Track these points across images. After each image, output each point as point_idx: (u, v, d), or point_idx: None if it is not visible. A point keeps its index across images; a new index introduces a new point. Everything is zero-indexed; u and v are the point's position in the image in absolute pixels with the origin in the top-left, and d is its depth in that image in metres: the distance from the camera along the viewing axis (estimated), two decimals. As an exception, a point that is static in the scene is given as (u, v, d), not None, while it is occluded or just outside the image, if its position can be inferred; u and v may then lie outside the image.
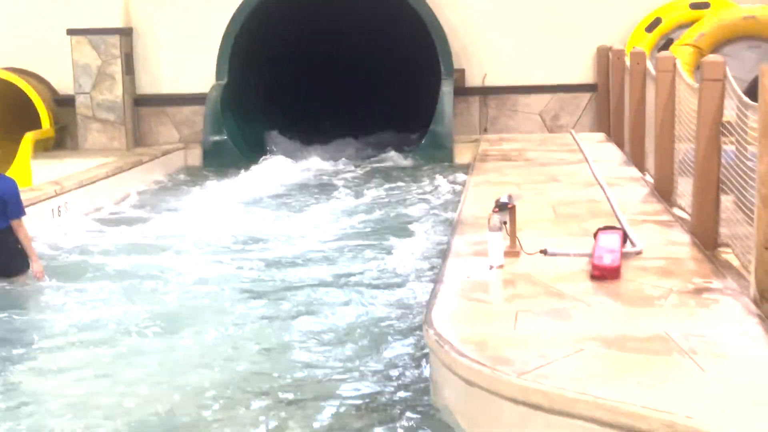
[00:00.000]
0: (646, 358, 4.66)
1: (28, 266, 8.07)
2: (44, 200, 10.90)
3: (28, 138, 14.65)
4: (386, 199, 12.36)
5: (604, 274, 6.18)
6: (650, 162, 10.37)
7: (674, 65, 9.03)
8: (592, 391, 4.22)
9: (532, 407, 4.33)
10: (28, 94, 15.59)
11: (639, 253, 6.81)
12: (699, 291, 5.85)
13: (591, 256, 6.50)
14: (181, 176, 15.01)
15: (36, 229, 10.12)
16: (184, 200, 12.59)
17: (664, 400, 4.09)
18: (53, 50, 16.28)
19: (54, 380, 5.97)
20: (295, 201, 12.43)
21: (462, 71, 16.15)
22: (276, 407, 5.39)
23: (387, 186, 13.34)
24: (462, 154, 14.90)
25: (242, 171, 14.60)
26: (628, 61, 12.02)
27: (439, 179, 13.42)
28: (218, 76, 16.10)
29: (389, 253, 9.11)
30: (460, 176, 13.04)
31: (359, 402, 5.42)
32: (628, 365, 4.56)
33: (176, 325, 6.97)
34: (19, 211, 7.97)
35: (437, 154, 14.98)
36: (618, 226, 7.43)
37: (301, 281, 8.18)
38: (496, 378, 4.50)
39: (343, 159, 15.74)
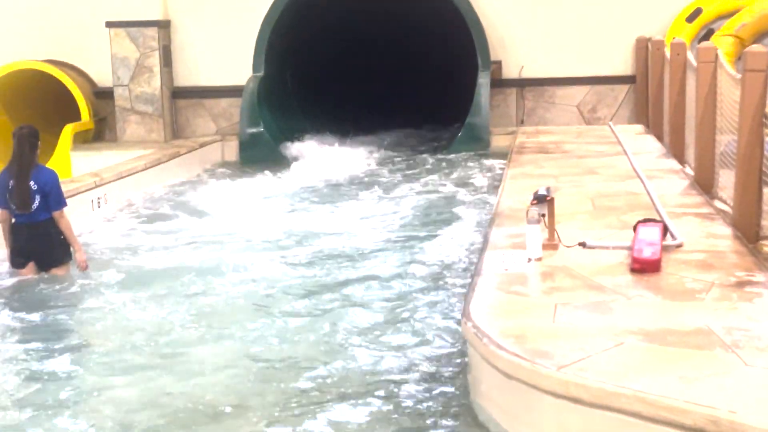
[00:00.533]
0: (688, 352, 4.60)
1: (70, 257, 8.15)
2: (84, 192, 11.00)
3: (68, 130, 14.81)
4: (425, 191, 12.33)
5: (644, 267, 6.11)
6: (690, 154, 10.27)
7: (716, 56, 8.92)
8: (632, 385, 4.18)
9: (571, 401, 4.30)
10: (67, 86, 15.73)
11: (680, 246, 6.74)
12: (741, 284, 5.77)
13: (631, 249, 6.43)
14: (219, 169, 15.07)
15: (76, 220, 10.20)
16: (222, 194, 12.60)
17: (707, 395, 4.04)
18: (92, 43, 16.41)
19: (97, 377, 5.99)
20: (335, 195, 12.43)
21: (499, 63, 16.07)
22: (322, 401, 5.40)
23: (426, 178, 13.31)
24: (499, 147, 14.82)
25: (278, 164, 14.63)
26: (668, 52, 11.89)
27: (477, 170, 13.39)
28: (255, 69, 16.14)
29: (432, 244, 9.10)
30: (498, 164, 13.03)
31: (402, 393, 5.42)
32: (670, 359, 4.51)
33: (220, 321, 6.95)
34: (60, 202, 8.04)
35: (474, 146, 14.92)
36: (658, 218, 7.35)
37: (345, 275, 8.16)
38: (536, 371, 4.47)
39: (381, 151, 15.73)
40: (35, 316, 7.18)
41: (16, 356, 6.40)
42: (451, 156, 14.87)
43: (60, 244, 8.06)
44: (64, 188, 10.29)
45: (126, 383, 5.82)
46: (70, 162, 14.17)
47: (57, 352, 6.41)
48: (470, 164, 14.05)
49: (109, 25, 15.98)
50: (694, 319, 5.10)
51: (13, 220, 8.06)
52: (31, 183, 7.88)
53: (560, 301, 5.55)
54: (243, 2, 16.33)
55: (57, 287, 7.86)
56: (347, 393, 5.46)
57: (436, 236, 9.52)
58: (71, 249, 8.15)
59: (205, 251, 9.17)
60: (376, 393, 5.44)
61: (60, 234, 8.02)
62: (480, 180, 12.85)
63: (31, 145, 7.96)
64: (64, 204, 8.11)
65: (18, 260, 8.08)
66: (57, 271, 8.09)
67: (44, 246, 8.02)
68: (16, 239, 8.06)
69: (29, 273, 8.05)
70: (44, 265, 8.08)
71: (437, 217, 10.67)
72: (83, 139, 15.76)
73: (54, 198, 7.96)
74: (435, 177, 13.38)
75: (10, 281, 8.07)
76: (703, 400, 3.99)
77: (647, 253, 6.19)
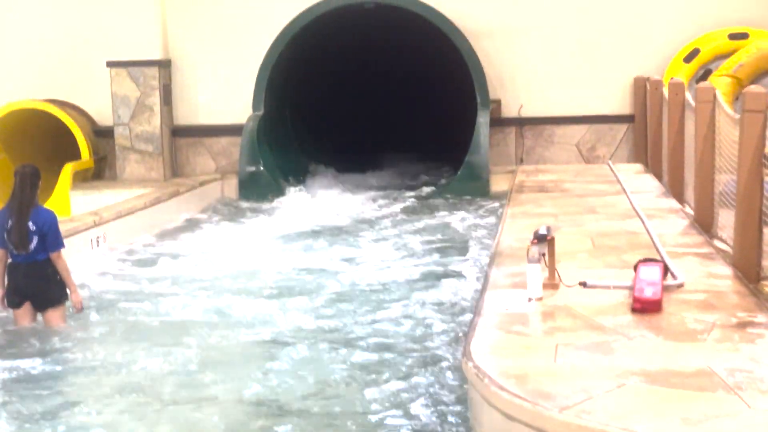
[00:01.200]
0: (690, 394, 4.57)
1: (66, 297, 8.08)
2: (83, 231, 10.98)
3: (68, 169, 14.79)
4: (424, 230, 12.33)
5: (645, 307, 6.10)
6: (689, 193, 10.28)
7: (714, 96, 8.96)
8: (636, 427, 4.15)
9: (574, 443, 4.26)
10: (67, 125, 15.76)
11: (680, 286, 6.72)
12: (743, 325, 5.75)
13: (631, 288, 6.41)
14: (218, 207, 15.06)
15: (75, 259, 10.19)
16: (221, 234, 12.57)
17: (711, 437, 4.01)
18: (93, 82, 16.48)
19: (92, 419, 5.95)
20: (335, 235, 12.41)
21: (498, 102, 16.14)
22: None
23: (423, 217, 13.31)
24: (498, 185, 14.85)
25: (277, 203, 14.64)
26: (666, 91, 11.94)
27: (476, 208, 13.41)
28: (255, 107, 16.20)
29: (432, 284, 9.08)
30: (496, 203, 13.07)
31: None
32: (673, 401, 4.48)
33: (219, 365, 6.88)
34: (57, 243, 7.97)
35: (473, 185, 14.93)
36: (658, 258, 7.34)
37: (344, 317, 8.14)
38: (538, 413, 4.44)
39: (377, 190, 15.74)
40: (30, 360, 7.11)
41: (10, 400, 6.33)
42: (450, 195, 14.88)
43: (56, 284, 7.99)
44: (64, 227, 10.28)
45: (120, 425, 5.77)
46: (70, 201, 14.11)
47: (51, 396, 6.35)
48: (469, 201, 14.06)
49: (110, 64, 16.06)
50: (696, 360, 5.07)
51: (10, 260, 8.02)
52: (30, 223, 7.84)
53: (561, 341, 5.52)
54: (243, 42, 16.42)
55: (52, 329, 7.80)
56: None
57: (435, 275, 9.50)
58: (67, 289, 8.08)
59: (203, 293, 9.10)
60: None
61: (57, 274, 7.95)
62: (478, 218, 12.85)
63: (32, 185, 7.93)
64: (62, 245, 8.03)
65: (13, 300, 8.03)
66: (53, 312, 8.00)
67: (41, 286, 7.96)
68: (12, 278, 8.01)
69: (25, 313, 7.98)
70: (40, 305, 8.00)
71: (436, 256, 10.66)
72: (83, 178, 15.76)
73: (52, 238, 7.89)
74: (434, 214, 13.38)
75: (4, 322, 8.02)
76: (707, 442, 3.96)
77: (648, 293, 6.17)
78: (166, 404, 6.15)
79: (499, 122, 16.09)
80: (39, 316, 8.01)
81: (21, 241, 7.83)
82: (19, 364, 7.08)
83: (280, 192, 15.33)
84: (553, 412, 4.39)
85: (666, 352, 5.27)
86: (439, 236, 11.91)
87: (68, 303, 8.09)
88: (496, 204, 13.42)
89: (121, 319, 8.25)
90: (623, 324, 5.84)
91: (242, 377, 6.61)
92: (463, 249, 10.91)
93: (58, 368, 7.05)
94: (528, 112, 16.18)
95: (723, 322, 5.80)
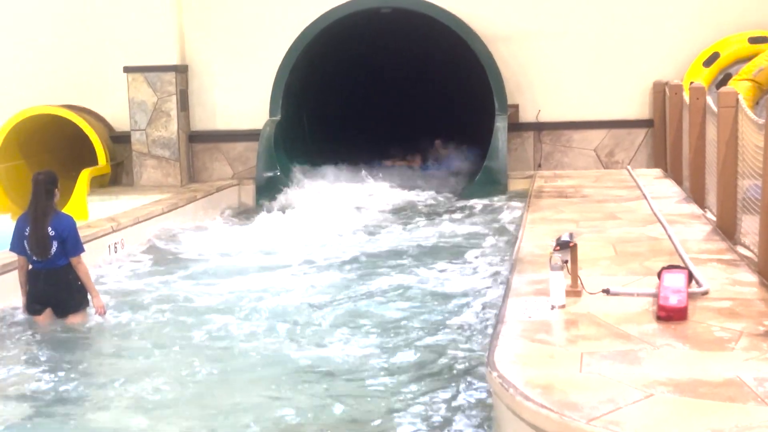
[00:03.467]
0: (719, 404, 4.48)
1: (88, 303, 8.08)
2: (101, 236, 10.96)
3: (85, 174, 14.83)
4: (442, 235, 12.25)
5: (670, 315, 6.01)
6: (711, 199, 10.18)
7: (737, 100, 8.86)
8: (665, 438, 4.07)
9: (602, 455, 4.19)
10: (84, 131, 15.78)
11: (705, 293, 6.63)
12: (771, 333, 5.66)
13: (656, 296, 6.33)
14: (235, 213, 15.03)
15: (94, 265, 10.18)
16: (238, 239, 12.53)
17: (743, 450, 3.93)
18: (110, 88, 16.51)
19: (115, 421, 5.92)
20: (352, 240, 12.36)
21: (516, 107, 16.06)
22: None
23: (443, 221, 13.23)
24: (516, 190, 14.77)
25: (294, 208, 14.59)
26: (686, 96, 11.84)
27: (495, 214, 13.35)
28: (272, 113, 16.18)
29: (452, 290, 9.02)
30: (516, 207, 13.01)
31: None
32: (702, 412, 4.39)
33: (241, 367, 6.83)
34: (77, 248, 8.00)
35: (491, 190, 14.85)
36: (682, 264, 7.25)
37: (364, 322, 8.08)
38: (565, 424, 4.36)
39: (396, 193, 15.65)
40: (53, 364, 7.11)
41: (33, 404, 6.32)
42: (470, 197, 14.79)
43: (77, 290, 8.01)
44: (81, 233, 10.28)
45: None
46: (87, 206, 14.17)
47: (74, 400, 6.33)
48: (488, 207, 13.98)
49: (127, 70, 16.08)
50: (725, 369, 4.99)
51: (30, 267, 8.01)
52: (49, 229, 7.84)
53: (586, 350, 5.45)
54: (260, 47, 16.41)
55: (75, 334, 7.80)
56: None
57: (455, 281, 9.42)
58: (89, 295, 8.09)
59: (221, 297, 9.08)
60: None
61: (77, 280, 7.97)
62: (498, 224, 12.76)
63: (47, 191, 7.92)
64: (82, 250, 8.07)
65: (34, 307, 8.02)
66: (74, 318, 8.03)
67: (62, 292, 7.97)
68: (33, 286, 8.00)
69: (45, 320, 7.99)
70: (61, 312, 8.02)
71: (456, 261, 10.56)
72: (100, 184, 15.79)
73: (71, 244, 7.92)
74: (452, 220, 13.30)
75: (26, 328, 8.01)
76: (739, 455, 3.88)
77: (673, 300, 6.08)
78: (191, 405, 6.12)
79: (517, 127, 16.02)
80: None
81: (39, 248, 7.83)
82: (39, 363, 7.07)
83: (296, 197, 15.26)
84: (580, 423, 4.32)
85: (693, 361, 5.18)
86: (456, 240, 11.82)
87: (90, 309, 8.08)
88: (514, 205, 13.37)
89: (138, 319, 8.23)
90: (648, 332, 5.76)
91: (253, 376, 6.58)
92: (479, 254, 10.81)
93: (78, 365, 7.04)
94: (546, 117, 16.11)
95: (750, 331, 5.71)
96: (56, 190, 8.04)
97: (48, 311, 8.00)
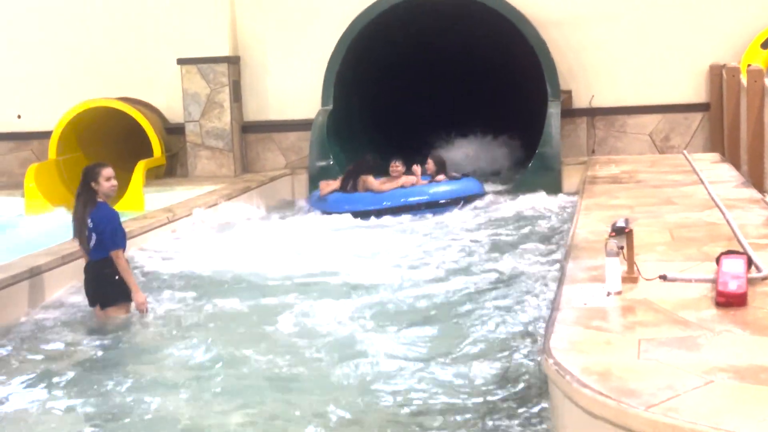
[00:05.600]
0: (782, 391, 4.41)
1: (125, 298, 7.94)
2: (157, 227, 11.08)
3: (141, 166, 15.02)
4: (494, 221, 12.21)
5: (730, 301, 5.91)
6: (771, 183, 10.00)
7: (796, 82, 8.69)
8: (726, 425, 4.00)
9: (661, 442, 4.13)
10: (140, 123, 15.98)
11: (765, 278, 6.51)
12: (834, 319, 5.54)
13: (714, 282, 6.24)
14: (288, 203, 15.08)
15: (150, 256, 10.30)
16: (292, 231, 12.53)
17: (806, 437, 3.85)
18: (164, 80, 16.69)
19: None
20: (403, 226, 12.36)
21: (569, 92, 15.91)
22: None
23: (495, 208, 13.18)
24: (570, 177, 14.65)
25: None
26: (744, 78, 11.64)
27: (549, 201, 13.29)
28: (324, 102, 16.22)
29: (504, 276, 8.97)
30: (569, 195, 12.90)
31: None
32: (763, 398, 4.31)
33: (288, 367, 6.70)
34: (115, 242, 7.82)
35: (545, 177, 14.73)
36: (741, 250, 7.13)
37: (414, 307, 8.08)
38: (623, 411, 4.31)
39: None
40: (92, 352, 7.20)
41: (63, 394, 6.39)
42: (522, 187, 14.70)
43: (114, 284, 7.85)
44: (138, 224, 10.45)
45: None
46: (143, 197, 14.35)
47: (107, 394, 6.33)
48: (541, 193, 13.89)
49: (180, 62, 16.22)
50: (787, 355, 4.90)
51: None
52: (88, 221, 7.82)
53: (644, 336, 5.38)
54: (311, 36, 16.46)
55: (113, 327, 7.82)
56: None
57: (507, 267, 9.37)
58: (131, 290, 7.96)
59: (273, 292, 8.90)
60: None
61: (116, 274, 7.83)
62: (552, 210, 12.69)
63: (85, 185, 7.84)
64: (119, 245, 7.86)
65: (88, 299, 8.10)
66: (115, 312, 7.93)
67: (99, 286, 7.92)
68: (85, 278, 8.09)
69: (99, 312, 8.02)
70: (102, 305, 8.00)
71: (509, 248, 10.51)
72: (155, 175, 15.97)
73: (108, 237, 7.78)
74: (505, 207, 13.26)
75: (75, 318, 8.14)
76: (802, 442, 3.81)
77: (733, 286, 5.98)
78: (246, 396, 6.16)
79: (570, 113, 15.87)
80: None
81: (81, 240, 7.89)
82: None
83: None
84: (638, 410, 4.26)
85: (754, 347, 5.09)
86: (510, 227, 11.76)
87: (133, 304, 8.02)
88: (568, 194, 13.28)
89: (185, 313, 8.23)
90: (707, 318, 5.67)
91: (300, 376, 6.53)
92: (533, 240, 10.75)
93: (117, 358, 7.10)
94: (599, 102, 15.93)
95: (812, 316, 5.60)
96: (93, 183, 7.79)
97: (98, 305, 8.03)
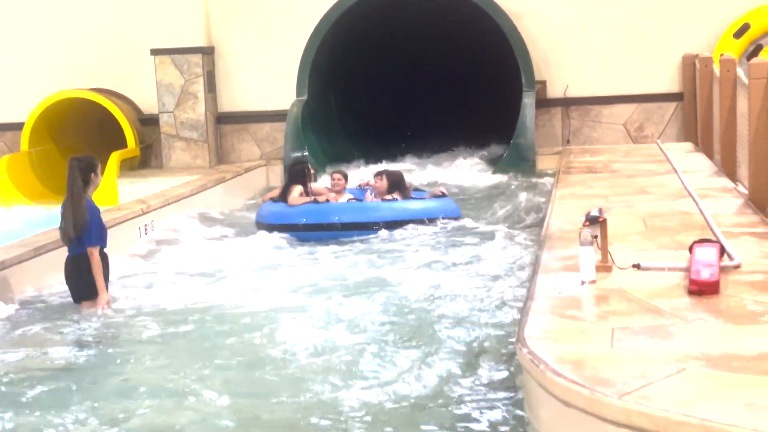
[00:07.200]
0: (754, 378, 4.44)
1: (94, 295, 7.90)
2: (131, 219, 11.01)
3: (114, 157, 14.94)
4: (471, 211, 12.21)
5: (702, 289, 5.95)
6: (743, 172, 10.06)
7: (768, 72, 8.74)
8: (698, 413, 4.03)
9: (634, 430, 4.15)
10: (113, 114, 15.88)
11: (737, 267, 6.56)
12: (805, 306, 5.59)
13: (687, 270, 6.28)
14: (263, 194, 15.00)
15: (124, 248, 10.21)
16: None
17: (777, 424, 3.88)
18: (138, 70, 16.59)
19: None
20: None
21: (543, 83, 15.96)
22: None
23: (473, 198, 13.19)
24: (545, 167, 14.70)
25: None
26: (716, 68, 11.70)
27: (524, 191, 13.27)
28: (299, 93, 16.18)
29: (479, 266, 8.96)
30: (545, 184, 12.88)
31: (456, 421, 5.30)
32: (736, 386, 4.35)
33: (259, 368, 6.50)
34: (91, 239, 7.79)
35: (520, 166, 14.79)
36: (714, 238, 7.18)
37: (389, 294, 8.03)
38: (596, 399, 4.33)
39: (426, 172, 15.59)
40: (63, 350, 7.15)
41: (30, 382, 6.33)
42: (498, 176, 14.72)
43: (87, 279, 7.84)
44: (111, 215, 10.37)
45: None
46: (117, 189, 14.26)
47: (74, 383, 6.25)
48: (516, 184, 13.90)
49: (154, 52, 16.13)
50: (758, 343, 4.93)
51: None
52: (80, 215, 7.76)
53: (617, 325, 5.41)
54: (286, 27, 16.40)
55: (85, 321, 7.76)
56: (397, 422, 5.34)
57: (483, 258, 9.38)
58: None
59: (248, 285, 8.80)
60: (429, 422, 5.32)
61: (89, 269, 7.83)
62: (527, 201, 12.70)
63: (82, 178, 7.83)
64: (96, 242, 7.82)
65: (71, 292, 8.06)
66: (89, 305, 7.90)
67: (74, 280, 7.92)
68: (66, 271, 8.06)
69: (85, 305, 7.97)
70: (77, 299, 7.99)
71: (483, 237, 10.51)
72: (129, 166, 15.89)
73: (89, 233, 7.76)
74: (482, 197, 13.27)
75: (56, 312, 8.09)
76: (773, 428, 3.84)
77: (705, 274, 6.02)
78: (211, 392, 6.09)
79: (544, 103, 15.93)
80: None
81: (67, 233, 7.84)
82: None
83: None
84: (612, 398, 4.29)
85: (726, 335, 5.13)
86: (485, 216, 11.76)
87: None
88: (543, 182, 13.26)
89: (163, 310, 8.13)
90: (680, 307, 5.71)
91: (280, 359, 6.49)
92: (508, 231, 10.73)
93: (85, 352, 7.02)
94: (574, 92, 16.00)
95: (784, 304, 5.65)
96: (92, 175, 7.86)
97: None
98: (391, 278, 8.73)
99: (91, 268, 7.81)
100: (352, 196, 11.69)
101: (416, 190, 12.02)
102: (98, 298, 7.87)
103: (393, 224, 10.86)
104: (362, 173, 15.25)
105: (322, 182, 13.16)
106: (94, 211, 7.92)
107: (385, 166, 15.96)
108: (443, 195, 11.49)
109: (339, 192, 11.68)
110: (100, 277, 7.90)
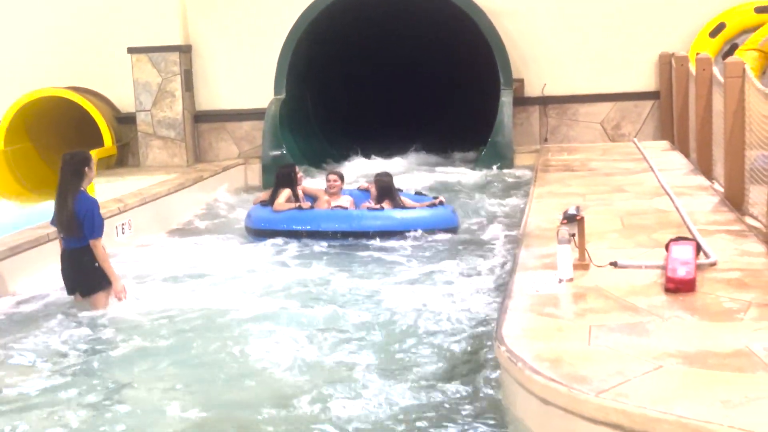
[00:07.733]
0: (729, 375, 4.48)
1: (104, 286, 7.92)
2: (108, 218, 10.88)
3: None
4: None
5: (678, 287, 6.00)
6: (719, 170, 10.14)
7: (743, 71, 8.81)
8: (674, 410, 4.07)
9: (611, 427, 4.19)
10: (90, 112, 15.78)
11: (713, 264, 6.62)
12: (780, 304, 5.64)
13: (664, 268, 6.33)
14: (242, 192, 14.98)
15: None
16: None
17: (752, 420, 3.92)
18: (114, 69, 16.48)
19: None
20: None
21: (521, 81, 16.00)
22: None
23: (455, 196, 13.19)
24: (523, 165, 14.73)
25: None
26: (692, 67, 11.78)
27: (502, 189, 13.29)
28: (276, 91, 16.14)
29: (459, 264, 8.97)
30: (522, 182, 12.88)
31: (433, 420, 5.30)
32: (712, 383, 4.39)
33: (247, 358, 6.59)
34: (93, 231, 7.84)
35: (498, 165, 14.82)
36: (690, 236, 7.24)
37: (371, 297, 8.03)
38: (574, 397, 4.36)
39: (403, 172, 15.57)
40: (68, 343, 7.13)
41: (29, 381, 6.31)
42: (477, 174, 14.68)
43: (93, 272, 7.87)
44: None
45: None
46: (93, 188, 14.14)
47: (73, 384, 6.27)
48: (494, 183, 13.93)
49: (131, 50, 16.04)
50: (734, 340, 4.98)
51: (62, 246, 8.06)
52: (73, 209, 7.77)
53: (594, 322, 5.44)
54: (263, 26, 16.36)
55: (88, 316, 7.76)
56: (378, 424, 5.34)
57: (463, 256, 9.39)
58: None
59: (228, 284, 8.77)
60: (409, 421, 5.32)
61: (94, 262, 7.88)
62: (505, 198, 12.73)
63: (72, 172, 7.85)
64: (97, 234, 7.87)
65: (66, 286, 8.05)
66: (95, 300, 7.94)
67: (78, 273, 7.93)
68: (62, 265, 8.05)
69: (80, 299, 7.99)
70: (83, 293, 8.00)
71: (463, 236, 10.53)
72: (106, 165, 15.79)
73: (88, 226, 7.81)
74: (461, 196, 13.26)
75: (52, 306, 8.05)
76: (748, 425, 3.88)
77: (682, 272, 6.07)
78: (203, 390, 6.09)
79: (522, 101, 15.97)
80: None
81: (61, 227, 7.85)
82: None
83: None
84: (589, 395, 4.32)
85: (702, 332, 5.17)
86: (465, 215, 11.74)
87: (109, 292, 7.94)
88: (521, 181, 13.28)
89: (144, 307, 8.10)
90: (657, 304, 5.75)
91: (266, 358, 6.46)
92: (488, 228, 10.74)
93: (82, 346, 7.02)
94: (551, 90, 16.04)
95: (759, 301, 5.70)
96: (86, 169, 7.88)
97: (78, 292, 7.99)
98: (377, 286, 8.58)
99: (98, 259, 7.86)
100: (351, 198, 11.35)
101: (418, 194, 11.68)
102: (113, 287, 7.90)
103: (381, 233, 10.43)
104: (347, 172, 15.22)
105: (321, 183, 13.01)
106: (93, 204, 7.96)
107: (360, 163, 16.02)
108: (441, 204, 10.93)
109: (335, 194, 11.26)
110: (110, 266, 7.98)
